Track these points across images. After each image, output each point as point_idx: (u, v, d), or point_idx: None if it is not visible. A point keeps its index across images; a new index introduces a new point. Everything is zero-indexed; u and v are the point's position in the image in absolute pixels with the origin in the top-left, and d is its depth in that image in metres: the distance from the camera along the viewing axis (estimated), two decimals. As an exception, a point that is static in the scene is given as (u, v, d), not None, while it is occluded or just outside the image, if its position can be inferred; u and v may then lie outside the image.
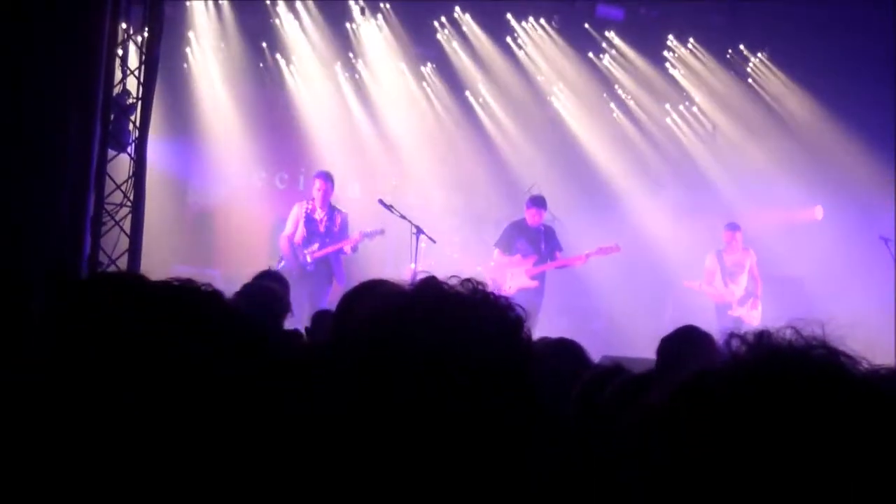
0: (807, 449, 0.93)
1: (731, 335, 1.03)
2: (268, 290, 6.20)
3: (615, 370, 3.25)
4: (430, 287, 1.42)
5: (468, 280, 1.44)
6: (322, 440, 1.36)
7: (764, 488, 0.92)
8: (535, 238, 11.20)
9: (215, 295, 1.50)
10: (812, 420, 0.94)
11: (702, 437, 0.96)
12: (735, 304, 11.67)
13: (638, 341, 9.45)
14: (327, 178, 10.98)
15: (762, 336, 1.03)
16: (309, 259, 10.69)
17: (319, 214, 10.87)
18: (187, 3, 13.98)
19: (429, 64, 15.19)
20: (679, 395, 1.01)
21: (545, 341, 4.35)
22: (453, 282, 1.45)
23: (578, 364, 3.88)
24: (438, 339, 1.35)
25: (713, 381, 1.00)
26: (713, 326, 11.49)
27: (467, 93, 15.39)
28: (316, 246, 10.73)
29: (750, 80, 14.83)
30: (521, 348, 1.42)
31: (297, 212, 10.98)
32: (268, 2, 14.25)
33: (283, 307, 6.15)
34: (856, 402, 0.95)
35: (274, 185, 15.10)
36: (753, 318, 11.56)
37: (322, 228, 10.82)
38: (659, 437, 0.98)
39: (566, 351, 4.05)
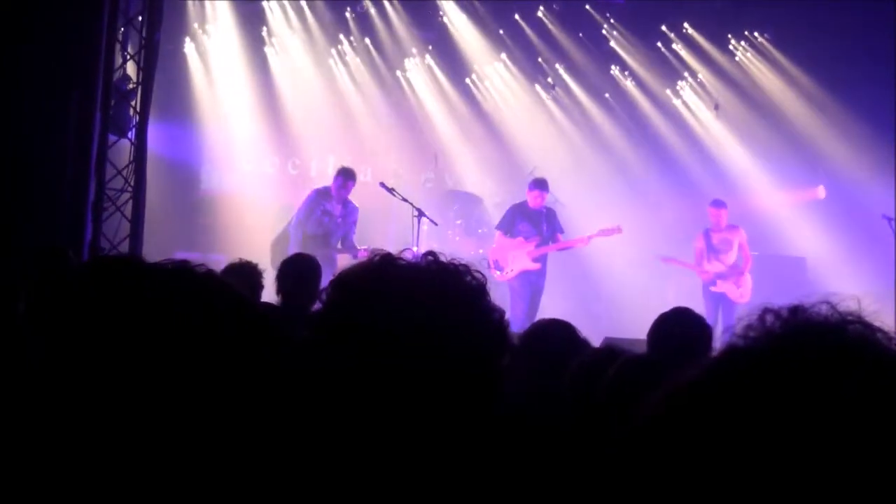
0: (849, 426, 0.91)
1: (765, 310, 1.02)
2: (247, 264, 6.24)
3: (609, 354, 3.24)
4: (384, 260, 1.58)
5: (429, 253, 1.60)
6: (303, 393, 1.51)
7: (808, 465, 0.91)
8: (536, 220, 11.19)
9: (210, 275, 1.51)
10: (852, 394, 0.92)
11: (740, 417, 0.93)
12: (718, 280, 11.69)
13: (640, 323, 9.45)
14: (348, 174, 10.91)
15: (796, 311, 1.01)
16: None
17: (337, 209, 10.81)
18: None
19: (430, 47, 15.16)
20: (712, 373, 0.99)
21: (537, 322, 4.36)
22: (408, 255, 1.64)
23: (570, 345, 3.87)
24: (387, 303, 1.51)
25: (747, 358, 0.98)
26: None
27: (471, 77, 15.37)
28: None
29: (751, 61, 14.79)
30: (477, 311, 1.55)
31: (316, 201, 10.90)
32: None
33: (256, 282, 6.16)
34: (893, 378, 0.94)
35: (286, 172, 15.06)
36: (738, 294, 11.56)
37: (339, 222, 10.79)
38: (693, 416, 0.96)
39: (557, 331, 4.04)
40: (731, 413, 0.94)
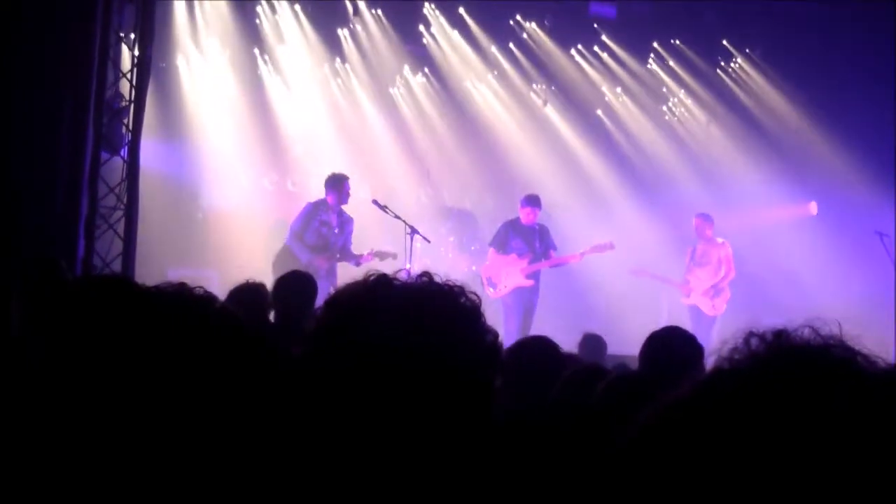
0: (829, 447, 0.93)
1: (750, 334, 1.05)
2: (252, 287, 6.20)
3: (595, 371, 3.25)
4: (379, 280, 1.60)
5: (424, 274, 1.61)
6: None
7: (786, 486, 0.93)
8: (529, 237, 11.21)
9: (207, 298, 1.52)
10: (833, 417, 0.94)
11: (723, 437, 0.96)
12: (690, 293, 11.76)
13: (633, 340, 9.44)
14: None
15: (780, 335, 1.04)
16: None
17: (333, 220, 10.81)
18: (177, 4, 13.95)
19: (421, 63, 15.19)
20: (697, 395, 1.01)
21: (519, 340, 4.38)
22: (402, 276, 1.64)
23: (551, 362, 3.88)
24: (380, 323, 1.52)
25: (732, 380, 1.01)
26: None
27: (468, 82, 15.40)
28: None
29: (743, 77, 14.84)
30: (471, 333, 1.57)
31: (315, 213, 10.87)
32: (263, 2, 14.22)
33: (263, 301, 6.12)
34: (876, 399, 0.96)
35: (282, 188, 15.05)
36: (709, 306, 11.60)
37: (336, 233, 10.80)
38: (680, 438, 0.99)
39: (538, 349, 4.05)
40: (716, 434, 0.96)
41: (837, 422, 0.94)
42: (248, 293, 5.90)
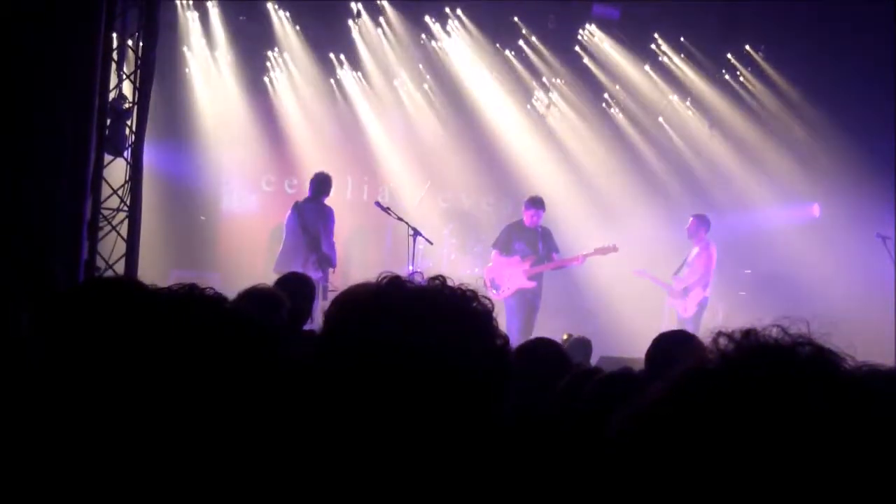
0: (794, 443, 0.95)
1: (719, 333, 1.07)
2: (266, 292, 6.18)
3: (593, 371, 3.27)
4: (392, 282, 1.59)
5: (437, 277, 1.60)
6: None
7: (751, 483, 0.94)
8: (532, 239, 11.22)
9: (217, 299, 1.53)
10: (798, 415, 0.96)
11: (691, 434, 0.99)
12: (669, 296, 11.83)
13: (635, 342, 9.46)
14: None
15: (748, 334, 1.06)
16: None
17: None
18: (182, 7, 13.97)
19: (424, 66, 15.19)
20: (670, 393, 1.03)
21: (526, 342, 4.39)
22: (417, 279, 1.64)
23: (557, 363, 3.89)
24: (393, 324, 1.52)
25: (701, 379, 1.03)
26: (708, 326, 11.55)
27: (471, 85, 15.41)
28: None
29: (746, 78, 14.83)
30: (483, 336, 1.58)
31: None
32: (270, 3, 14.22)
33: (276, 303, 6.12)
34: (841, 397, 0.97)
35: (283, 190, 15.06)
36: (682, 307, 11.64)
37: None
38: (649, 434, 1.01)
39: (545, 350, 4.06)
40: (685, 433, 0.99)
41: (804, 419, 0.96)
42: (262, 296, 5.88)
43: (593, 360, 8.02)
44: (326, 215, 10.79)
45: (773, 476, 0.94)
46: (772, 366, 1.01)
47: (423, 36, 14.70)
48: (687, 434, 0.99)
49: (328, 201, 10.93)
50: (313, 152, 14.68)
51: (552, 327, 10.74)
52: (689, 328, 10.98)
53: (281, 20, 14.37)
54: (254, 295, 5.70)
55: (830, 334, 1.06)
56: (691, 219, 11.95)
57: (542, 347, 4.11)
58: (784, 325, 1.06)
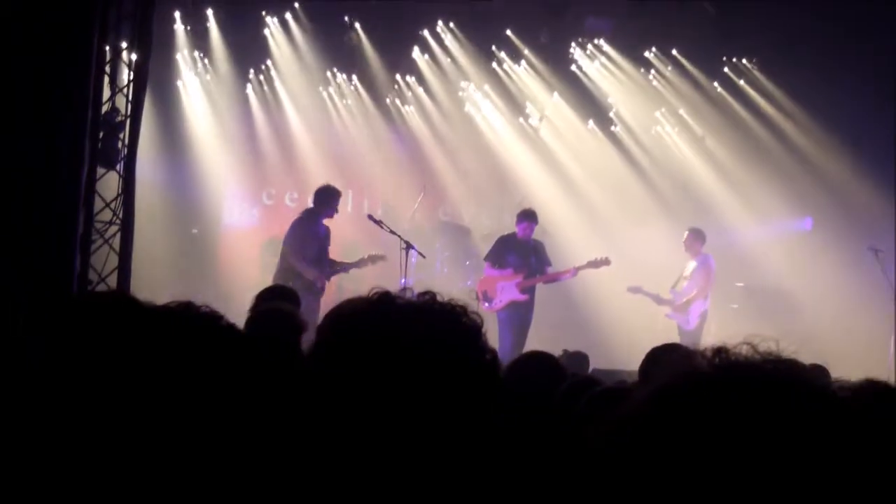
0: (759, 457, 0.98)
1: (694, 352, 1.11)
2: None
3: (588, 383, 3.28)
4: (382, 298, 1.61)
5: (426, 292, 1.62)
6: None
7: (714, 496, 0.98)
8: (525, 252, 11.23)
9: (213, 317, 1.54)
10: (766, 429, 0.99)
11: (661, 448, 1.01)
12: (668, 308, 11.88)
13: (628, 355, 9.47)
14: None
15: (719, 352, 1.09)
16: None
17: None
18: (176, 25, 13.98)
19: (417, 79, 15.23)
20: (642, 408, 1.07)
21: (522, 355, 4.39)
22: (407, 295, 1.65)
23: (553, 376, 3.90)
24: (384, 341, 1.54)
25: (672, 395, 1.06)
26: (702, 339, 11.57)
27: (464, 97, 15.45)
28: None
29: (739, 89, 14.86)
30: (472, 352, 1.59)
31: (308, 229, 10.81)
32: (265, 15, 14.23)
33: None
34: (811, 415, 1.00)
35: (282, 203, 15.05)
36: (684, 320, 11.70)
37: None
38: (622, 447, 1.04)
39: (540, 363, 4.06)
40: (658, 446, 1.02)
41: (773, 437, 0.98)
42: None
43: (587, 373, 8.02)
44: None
45: (733, 489, 0.97)
46: (741, 382, 1.04)
47: (417, 45, 14.73)
48: (654, 452, 1.02)
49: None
50: (307, 164, 14.71)
51: (546, 340, 10.75)
52: (691, 341, 11.02)
53: (275, 32, 14.39)
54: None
55: (799, 352, 1.10)
56: (687, 233, 12.01)
57: (539, 361, 4.11)
58: (753, 343, 1.10)
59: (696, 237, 11.90)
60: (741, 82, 14.77)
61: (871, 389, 1.58)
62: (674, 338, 11.27)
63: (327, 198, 10.73)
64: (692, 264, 11.88)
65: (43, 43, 7.79)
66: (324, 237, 10.69)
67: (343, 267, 10.71)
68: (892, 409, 1.14)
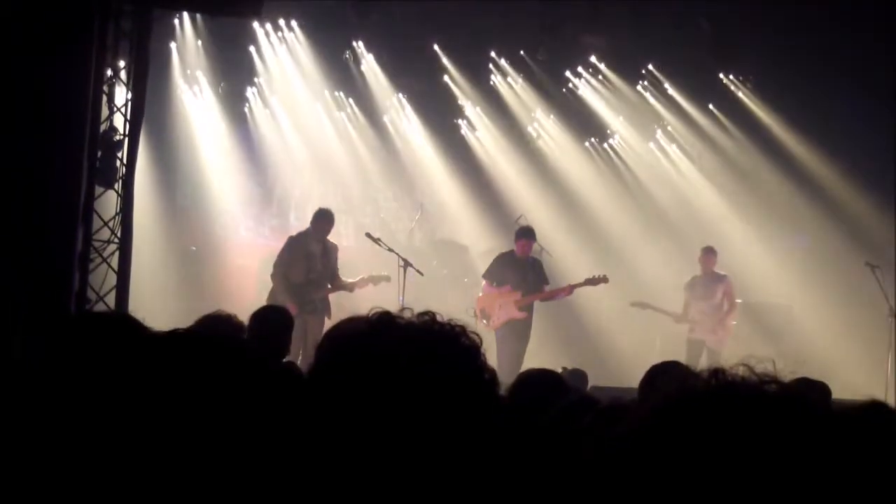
0: (755, 475, 0.99)
1: (691, 373, 1.12)
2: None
3: (587, 402, 3.28)
4: (381, 318, 1.61)
5: (426, 312, 1.62)
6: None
7: None
8: (523, 269, 11.22)
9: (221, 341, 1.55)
10: (762, 448, 1.01)
11: (658, 465, 1.03)
12: (696, 327, 11.79)
13: (627, 372, 9.46)
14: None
15: (716, 373, 1.11)
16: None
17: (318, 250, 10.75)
18: (173, 43, 14.02)
19: (414, 96, 15.27)
20: (640, 426, 1.08)
21: (524, 372, 4.39)
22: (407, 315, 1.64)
23: (557, 393, 3.90)
24: (380, 358, 1.54)
25: (670, 413, 1.08)
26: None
27: (459, 122, 15.48)
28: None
29: (734, 108, 14.90)
30: (471, 373, 1.60)
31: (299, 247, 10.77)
32: (257, 26, 14.25)
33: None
34: (807, 436, 1.02)
35: (287, 221, 15.06)
36: (715, 340, 11.64)
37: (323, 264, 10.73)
38: (620, 465, 1.06)
39: (543, 380, 4.06)
40: (655, 464, 1.03)
41: (767, 457, 1.00)
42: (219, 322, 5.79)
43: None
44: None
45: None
46: (737, 404, 1.05)
47: (416, 63, 14.78)
48: (652, 471, 1.03)
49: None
50: (304, 182, 14.74)
51: (545, 358, 10.74)
52: (722, 360, 11.01)
53: (274, 51, 14.42)
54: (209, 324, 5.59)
55: (797, 371, 1.11)
56: (702, 252, 12.01)
57: (541, 378, 4.11)
58: (750, 364, 1.11)
59: (710, 255, 11.98)
60: (739, 94, 14.80)
61: (872, 410, 1.59)
62: (671, 354, 11.23)
63: (318, 221, 10.74)
64: (711, 283, 11.85)
65: (41, 63, 7.82)
66: (320, 255, 10.65)
67: (344, 287, 10.68)
68: (890, 431, 1.15)
